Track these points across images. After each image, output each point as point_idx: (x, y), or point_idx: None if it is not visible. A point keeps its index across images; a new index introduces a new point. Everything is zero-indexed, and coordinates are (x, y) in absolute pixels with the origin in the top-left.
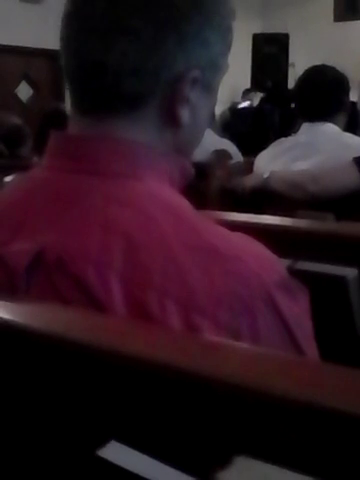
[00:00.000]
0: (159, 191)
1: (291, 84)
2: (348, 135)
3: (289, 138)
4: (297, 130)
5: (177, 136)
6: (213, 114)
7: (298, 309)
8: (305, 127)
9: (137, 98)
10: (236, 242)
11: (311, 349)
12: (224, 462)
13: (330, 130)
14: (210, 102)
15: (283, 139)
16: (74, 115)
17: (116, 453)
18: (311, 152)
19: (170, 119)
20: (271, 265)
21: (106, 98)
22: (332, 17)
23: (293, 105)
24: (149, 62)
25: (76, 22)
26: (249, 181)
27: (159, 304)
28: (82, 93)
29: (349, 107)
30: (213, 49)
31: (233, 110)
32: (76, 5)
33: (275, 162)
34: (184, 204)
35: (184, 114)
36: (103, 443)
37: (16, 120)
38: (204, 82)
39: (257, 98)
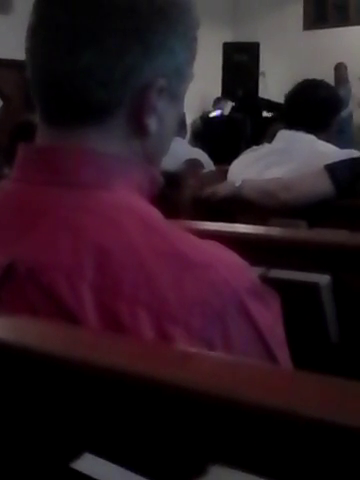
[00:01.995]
0: (129, 200)
1: (262, 92)
2: (321, 143)
3: (264, 145)
4: (269, 138)
5: (145, 145)
6: (184, 123)
7: (270, 315)
8: (281, 134)
9: (104, 108)
10: (207, 250)
11: (283, 355)
12: (199, 472)
13: (305, 138)
14: (176, 111)
15: (256, 147)
16: (42, 126)
17: (90, 465)
18: (285, 159)
19: (138, 128)
20: (242, 272)
21: (73, 109)
22: (302, 26)
23: (267, 113)
24: (115, 72)
25: (42, 33)
26: (221, 190)
27: (131, 313)
28: (49, 104)
29: (335, 129)
30: (178, 58)
31: (204, 119)
32: (41, 16)
33: (249, 169)
34: (154, 213)
35: (151, 123)
36: (77, 455)
37: None
38: (170, 91)
39: (228, 107)
